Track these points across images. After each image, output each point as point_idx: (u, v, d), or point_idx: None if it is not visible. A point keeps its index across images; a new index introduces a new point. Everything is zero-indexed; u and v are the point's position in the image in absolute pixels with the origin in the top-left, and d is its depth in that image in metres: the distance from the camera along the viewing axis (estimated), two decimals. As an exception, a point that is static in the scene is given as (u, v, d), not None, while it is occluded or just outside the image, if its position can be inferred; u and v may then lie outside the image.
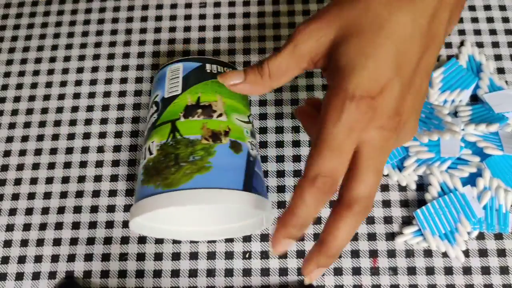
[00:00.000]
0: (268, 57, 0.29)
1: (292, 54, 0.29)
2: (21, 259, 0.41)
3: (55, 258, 0.40)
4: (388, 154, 0.27)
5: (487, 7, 0.47)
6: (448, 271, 0.38)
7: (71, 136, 0.45)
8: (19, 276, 0.40)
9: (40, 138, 0.45)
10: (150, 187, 0.30)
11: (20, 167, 0.44)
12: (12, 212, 0.42)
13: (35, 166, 0.44)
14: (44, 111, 0.46)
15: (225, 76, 0.31)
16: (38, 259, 0.41)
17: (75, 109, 0.46)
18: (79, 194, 0.42)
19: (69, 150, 0.44)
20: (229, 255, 0.40)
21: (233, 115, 0.33)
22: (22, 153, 0.44)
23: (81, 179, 0.43)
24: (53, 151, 0.44)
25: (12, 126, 0.45)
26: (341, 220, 0.25)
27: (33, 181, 0.43)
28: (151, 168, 0.31)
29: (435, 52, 0.28)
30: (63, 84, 0.47)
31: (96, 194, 0.42)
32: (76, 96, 0.46)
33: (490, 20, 0.47)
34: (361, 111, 0.25)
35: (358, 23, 0.27)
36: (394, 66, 0.26)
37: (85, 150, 0.44)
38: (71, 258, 0.40)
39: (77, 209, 0.42)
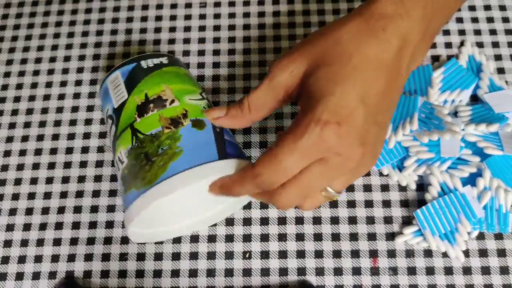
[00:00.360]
0: (248, 94, 0.32)
1: (269, 88, 0.31)
2: (21, 259, 0.41)
3: (55, 258, 0.40)
4: (332, 179, 0.30)
5: (487, 7, 0.47)
6: (448, 271, 0.38)
7: (71, 136, 0.45)
8: (19, 276, 0.40)
9: (40, 138, 0.45)
10: (132, 193, 0.30)
11: (20, 167, 0.44)
12: (12, 212, 0.42)
13: (35, 166, 0.44)
14: (44, 111, 0.46)
15: (208, 111, 0.33)
16: (38, 259, 0.41)
17: (75, 109, 0.46)
18: (79, 194, 0.42)
19: (69, 150, 0.44)
20: (229, 255, 0.40)
21: (184, 97, 0.33)
22: (22, 153, 0.44)
23: (81, 179, 0.43)
24: (53, 151, 0.44)
25: (12, 126, 0.45)
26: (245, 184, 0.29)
27: (33, 181, 0.43)
28: (127, 176, 0.31)
29: (398, 87, 0.30)
30: (63, 84, 0.47)
31: (96, 194, 0.42)
32: (76, 96, 0.46)
33: (490, 20, 0.47)
34: (322, 137, 0.27)
35: (328, 55, 0.28)
36: (361, 95, 0.27)
37: (85, 150, 0.44)
38: (71, 258, 0.40)
39: (77, 209, 0.42)
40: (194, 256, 0.40)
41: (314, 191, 0.31)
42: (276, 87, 0.30)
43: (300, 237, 0.40)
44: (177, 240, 0.40)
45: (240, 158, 0.32)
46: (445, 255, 0.39)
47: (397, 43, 0.29)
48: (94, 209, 0.42)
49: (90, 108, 0.45)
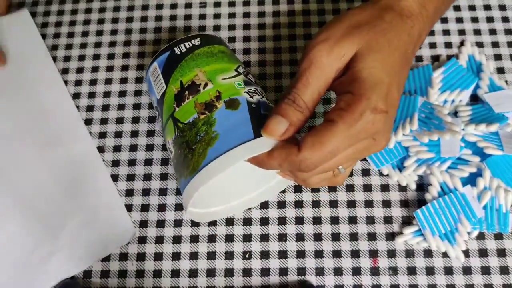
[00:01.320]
0: (296, 89, 0.30)
1: (320, 77, 0.30)
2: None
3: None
4: (358, 160, 0.32)
5: (487, 7, 0.47)
6: (448, 271, 0.38)
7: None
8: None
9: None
10: (182, 182, 0.32)
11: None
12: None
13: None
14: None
15: (269, 129, 0.30)
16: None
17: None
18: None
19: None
20: (229, 255, 0.40)
21: (217, 77, 0.33)
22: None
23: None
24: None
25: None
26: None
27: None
28: (176, 165, 0.33)
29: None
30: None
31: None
32: (76, 96, 0.46)
33: (490, 20, 0.47)
34: (375, 123, 0.28)
35: (376, 42, 0.30)
36: (398, 85, 0.31)
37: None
38: (71, 258, 0.40)
39: (77, 209, 0.42)
40: (194, 256, 0.40)
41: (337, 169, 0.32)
42: (328, 75, 0.30)
43: (300, 237, 0.40)
44: (177, 240, 0.40)
45: None
46: (445, 255, 0.39)
47: (416, 38, 0.33)
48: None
49: (90, 108, 0.45)
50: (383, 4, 0.32)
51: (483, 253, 0.39)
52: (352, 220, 0.40)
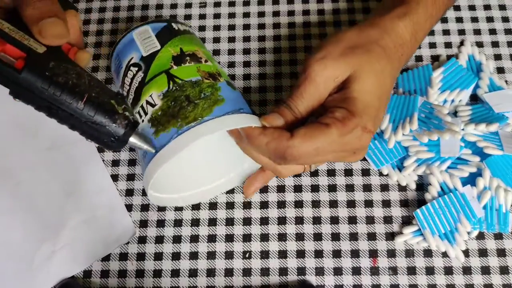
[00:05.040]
0: (293, 100, 0.33)
1: (314, 94, 0.32)
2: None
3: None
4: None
5: (487, 7, 0.47)
6: (448, 271, 0.38)
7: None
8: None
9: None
10: (170, 131, 0.31)
11: (20, 167, 0.44)
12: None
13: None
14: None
15: (268, 118, 0.33)
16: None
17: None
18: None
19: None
20: (229, 255, 0.40)
21: (214, 62, 0.37)
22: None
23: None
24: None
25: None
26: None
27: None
28: (161, 116, 0.32)
29: None
30: None
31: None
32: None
33: (490, 19, 0.47)
34: (361, 139, 0.31)
35: (370, 68, 0.32)
36: (385, 109, 0.34)
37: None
38: (71, 258, 0.41)
39: (77, 209, 0.42)
40: (194, 256, 0.40)
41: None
42: (321, 93, 0.33)
43: (300, 237, 0.40)
44: (177, 240, 0.40)
45: None
46: (445, 255, 0.39)
47: (403, 65, 0.36)
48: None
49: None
50: (379, 29, 0.34)
51: (483, 253, 0.39)
52: (352, 220, 0.40)
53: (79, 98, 0.26)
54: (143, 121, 0.33)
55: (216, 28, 0.48)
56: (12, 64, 0.25)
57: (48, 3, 0.26)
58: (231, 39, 0.47)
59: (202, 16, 0.49)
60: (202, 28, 0.48)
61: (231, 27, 0.48)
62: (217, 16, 0.49)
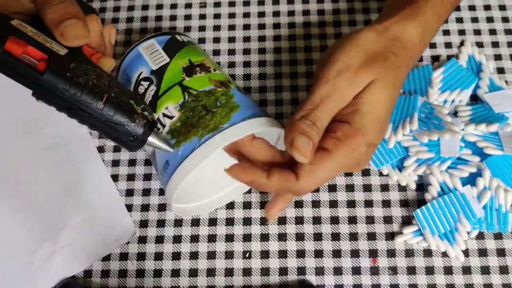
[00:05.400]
0: (319, 112, 0.30)
1: (338, 105, 0.31)
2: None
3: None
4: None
5: (487, 7, 0.47)
6: (448, 270, 0.38)
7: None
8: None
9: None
10: (192, 141, 0.32)
11: (20, 167, 0.44)
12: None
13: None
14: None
15: (300, 149, 0.30)
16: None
17: None
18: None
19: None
20: (229, 255, 0.40)
21: (222, 70, 0.38)
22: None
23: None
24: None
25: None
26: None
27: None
28: (181, 127, 0.33)
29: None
30: None
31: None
32: (76, 96, 0.46)
33: (490, 20, 0.47)
34: (367, 155, 0.31)
35: (386, 78, 0.31)
36: (390, 118, 0.33)
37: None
38: (72, 257, 0.41)
39: (78, 209, 0.42)
40: (194, 256, 0.40)
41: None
42: (345, 102, 0.31)
43: (300, 237, 0.40)
44: (177, 240, 0.40)
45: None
46: (444, 254, 0.39)
47: (411, 68, 0.35)
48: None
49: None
50: (391, 34, 0.33)
51: (482, 252, 0.39)
52: (352, 220, 0.40)
53: (99, 98, 0.27)
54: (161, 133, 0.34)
55: (216, 28, 0.48)
56: (34, 66, 0.26)
57: (68, 5, 0.27)
58: (231, 39, 0.47)
59: (202, 16, 0.49)
60: (202, 28, 0.48)
61: (231, 27, 0.48)
62: (217, 16, 0.49)
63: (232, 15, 0.49)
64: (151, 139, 0.29)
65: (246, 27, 0.48)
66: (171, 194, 0.33)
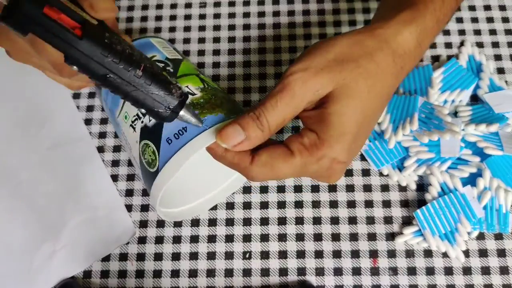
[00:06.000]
0: (264, 108, 0.29)
1: (290, 104, 0.29)
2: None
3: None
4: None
5: (487, 7, 0.47)
6: (448, 271, 0.38)
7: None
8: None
9: (40, 138, 0.45)
10: (217, 115, 0.32)
11: (20, 167, 0.44)
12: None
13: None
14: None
15: (225, 136, 0.29)
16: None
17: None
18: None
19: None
20: (229, 255, 0.40)
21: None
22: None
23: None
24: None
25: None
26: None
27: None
28: (205, 103, 0.33)
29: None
30: None
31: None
32: (76, 96, 0.46)
33: (490, 20, 0.47)
34: (330, 170, 0.30)
35: (355, 85, 0.29)
36: (370, 131, 0.32)
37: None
38: (71, 258, 0.40)
39: (77, 209, 0.42)
40: (194, 256, 0.40)
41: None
42: (298, 105, 0.29)
43: (300, 237, 0.40)
44: (177, 240, 0.40)
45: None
46: (445, 255, 0.39)
47: (402, 79, 0.32)
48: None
49: (90, 108, 0.45)
50: (378, 38, 0.30)
51: (483, 253, 0.39)
52: (352, 220, 0.40)
53: (136, 66, 0.26)
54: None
55: (216, 28, 0.48)
56: (72, 31, 0.25)
57: None
58: (231, 39, 0.47)
59: (202, 17, 0.49)
60: (202, 29, 0.48)
61: (231, 27, 0.48)
62: (217, 16, 0.49)
63: (232, 15, 0.49)
64: (183, 112, 0.29)
65: (246, 27, 0.48)
66: (156, 196, 0.32)
